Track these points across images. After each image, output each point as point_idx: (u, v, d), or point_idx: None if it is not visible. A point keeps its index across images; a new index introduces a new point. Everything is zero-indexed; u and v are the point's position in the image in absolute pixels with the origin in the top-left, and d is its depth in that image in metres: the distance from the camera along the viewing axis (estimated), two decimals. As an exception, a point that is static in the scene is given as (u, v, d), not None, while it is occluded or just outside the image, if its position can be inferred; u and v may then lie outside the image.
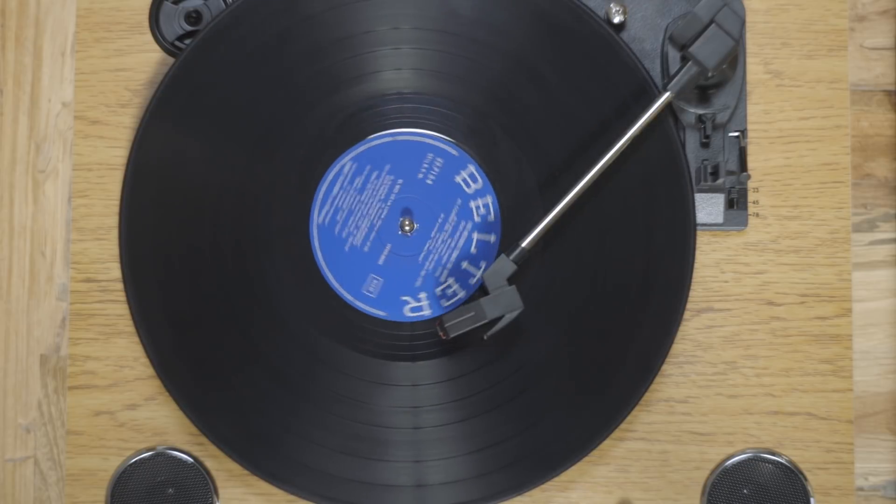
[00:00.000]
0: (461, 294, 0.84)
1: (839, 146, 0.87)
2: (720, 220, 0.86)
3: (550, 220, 0.80)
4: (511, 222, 0.84)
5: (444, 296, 0.84)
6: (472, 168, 0.84)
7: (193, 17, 0.87)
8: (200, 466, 0.86)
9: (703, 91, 0.85)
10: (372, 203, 0.85)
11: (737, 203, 0.86)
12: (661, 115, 0.80)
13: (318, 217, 0.84)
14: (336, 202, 0.84)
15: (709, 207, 0.86)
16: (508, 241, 0.84)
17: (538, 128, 0.84)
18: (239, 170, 0.85)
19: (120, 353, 0.87)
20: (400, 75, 0.85)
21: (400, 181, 0.85)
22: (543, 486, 0.85)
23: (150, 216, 0.84)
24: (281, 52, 0.84)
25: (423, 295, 0.84)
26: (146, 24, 0.88)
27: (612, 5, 0.85)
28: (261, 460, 0.83)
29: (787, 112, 0.87)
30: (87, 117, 0.88)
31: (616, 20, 0.85)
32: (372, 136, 0.85)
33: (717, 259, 0.86)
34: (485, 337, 0.80)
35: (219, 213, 0.84)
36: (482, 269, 0.84)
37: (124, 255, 0.84)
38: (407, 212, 0.85)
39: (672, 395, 0.86)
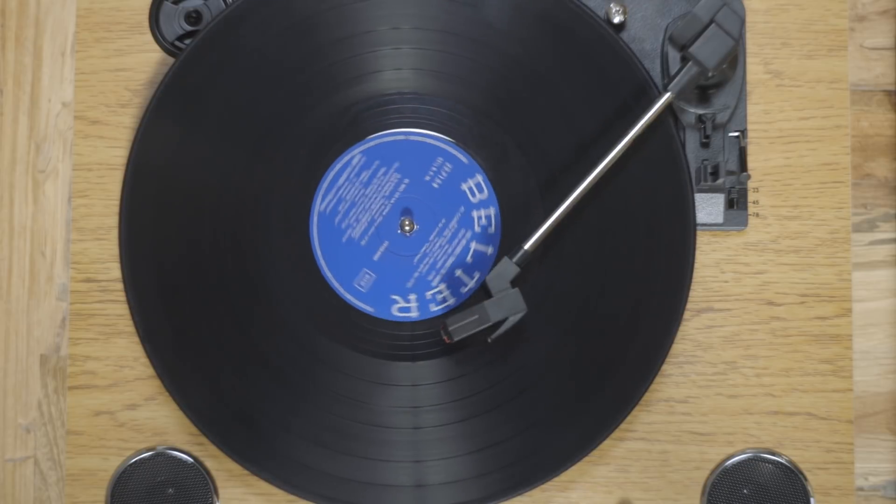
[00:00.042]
0: (451, 301, 0.84)
1: (839, 146, 0.87)
2: (720, 220, 0.86)
3: (553, 222, 0.80)
4: (510, 237, 0.84)
5: (433, 300, 0.84)
6: (479, 178, 0.84)
7: (193, 17, 0.87)
8: (200, 466, 0.86)
9: (703, 91, 0.85)
10: (375, 198, 0.85)
11: (737, 203, 0.86)
12: (661, 115, 0.80)
13: (320, 204, 0.84)
14: (340, 192, 0.84)
15: (709, 207, 0.86)
16: (504, 253, 0.84)
17: (538, 128, 0.84)
18: (239, 170, 0.85)
19: (120, 353, 0.87)
20: (400, 75, 0.85)
21: (406, 181, 0.85)
22: (543, 486, 0.85)
23: (150, 216, 0.84)
24: (281, 52, 0.84)
25: (412, 297, 0.84)
26: (146, 24, 0.88)
27: (612, 5, 0.85)
28: (261, 460, 0.83)
29: (787, 112, 0.87)
30: (87, 117, 0.88)
31: (616, 20, 0.85)
32: (384, 132, 0.84)
33: (717, 259, 0.86)
34: (489, 340, 0.80)
35: (218, 212, 0.84)
36: (475, 280, 0.84)
37: (124, 255, 0.84)
38: (409, 212, 0.85)
39: (672, 395, 0.86)
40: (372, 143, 0.84)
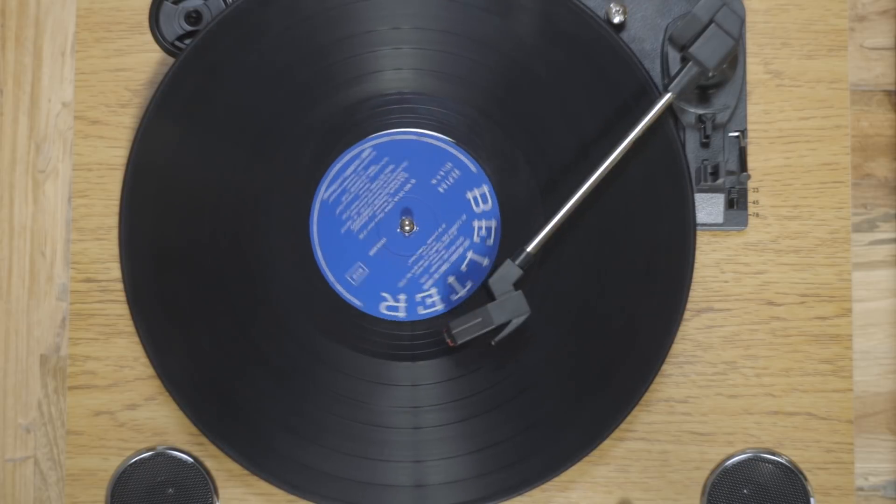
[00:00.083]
0: (440, 307, 0.84)
1: (839, 146, 0.87)
2: (720, 220, 0.86)
3: (555, 224, 0.80)
4: (507, 251, 0.84)
5: (422, 303, 0.84)
6: (486, 188, 0.84)
7: (193, 17, 0.87)
8: (200, 466, 0.86)
9: (703, 91, 0.85)
10: (380, 194, 0.85)
11: (737, 203, 0.86)
12: (661, 115, 0.80)
13: (324, 192, 0.84)
14: (346, 183, 0.84)
15: (709, 207, 0.86)
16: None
17: (538, 128, 0.84)
18: (239, 169, 0.85)
19: (120, 353, 0.87)
20: (400, 75, 0.85)
21: (413, 181, 0.85)
22: (543, 486, 0.85)
23: (150, 216, 0.84)
24: (281, 52, 0.84)
25: (402, 297, 0.84)
26: (146, 24, 0.88)
27: (612, 5, 0.85)
28: (261, 460, 0.83)
29: (787, 112, 0.87)
30: (87, 117, 0.88)
31: (616, 20, 0.85)
32: (398, 129, 0.84)
33: (717, 259, 0.86)
34: (493, 343, 0.80)
35: (218, 212, 0.84)
36: (467, 289, 0.84)
37: (124, 255, 0.84)
38: (411, 212, 0.85)
39: (672, 395, 0.86)
40: (384, 139, 0.84)
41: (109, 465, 0.86)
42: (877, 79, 0.90)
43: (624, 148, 0.80)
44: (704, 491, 0.85)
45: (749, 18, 0.87)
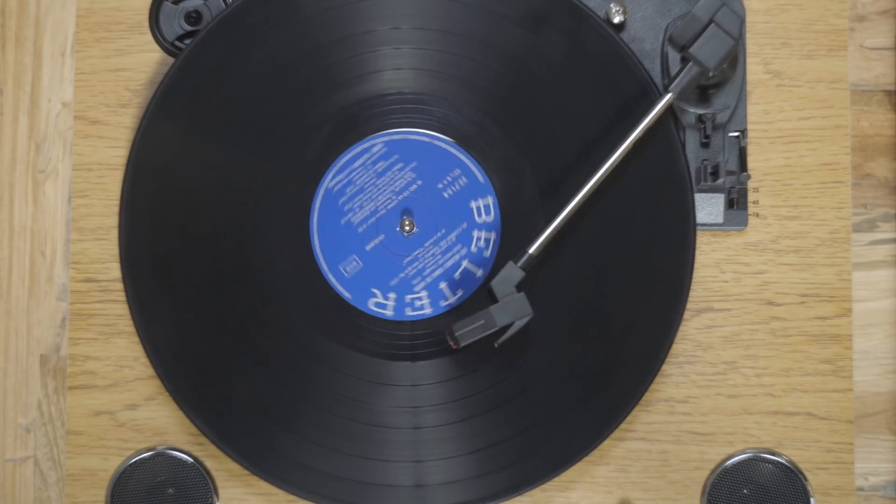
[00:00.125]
0: (428, 311, 0.84)
1: (839, 146, 0.87)
2: (720, 220, 0.86)
3: (557, 225, 0.80)
4: (503, 265, 0.84)
5: (410, 305, 0.84)
6: (490, 200, 0.84)
7: (193, 17, 0.87)
8: (200, 466, 0.86)
9: (703, 91, 0.85)
10: (385, 191, 0.85)
11: (737, 203, 0.86)
12: (661, 115, 0.80)
13: (330, 180, 0.84)
14: (352, 175, 0.84)
15: (709, 207, 0.86)
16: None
17: (538, 128, 0.84)
18: (239, 169, 0.85)
19: (120, 353, 0.87)
20: (400, 75, 0.85)
21: (419, 182, 0.85)
22: (543, 486, 0.85)
23: (150, 216, 0.84)
24: (281, 52, 0.84)
25: (392, 295, 0.84)
26: (146, 24, 0.88)
27: (612, 5, 0.85)
28: (261, 460, 0.83)
29: (787, 112, 0.87)
30: (87, 117, 0.88)
31: (616, 20, 0.85)
32: (411, 129, 0.84)
33: (717, 259, 0.86)
34: (496, 345, 0.80)
35: (218, 212, 0.84)
36: (457, 297, 0.84)
37: (124, 255, 0.84)
38: (412, 213, 0.85)
39: (672, 395, 0.86)
40: (397, 137, 0.84)
41: (109, 465, 0.86)
42: (877, 79, 0.90)
43: (625, 149, 0.80)
44: (704, 491, 0.85)
45: (749, 18, 0.87)
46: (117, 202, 0.85)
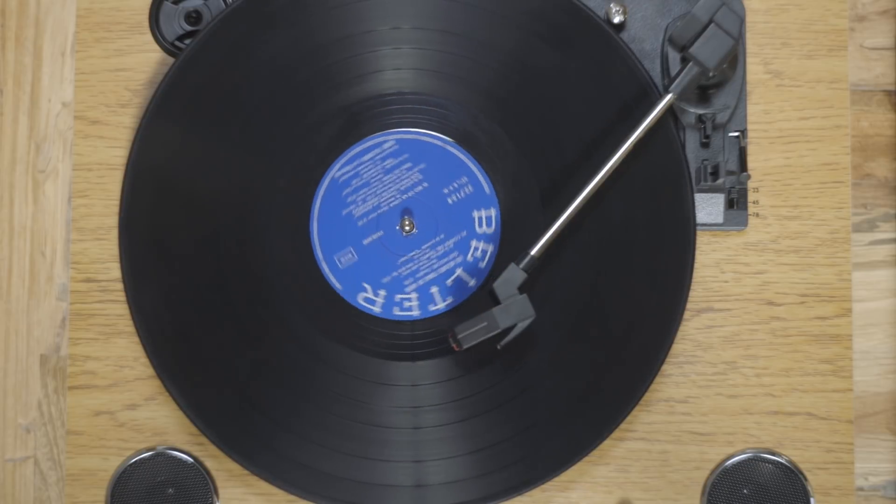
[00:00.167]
0: (415, 313, 0.84)
1: (839, 146, 0.87)
2: (720, 220, 0.86)
3: (558, 227, 0.80)
4: (497, 275, 0.84)
5: (399, 305, 0.84)
6: (493, 212, 0.84)
7: (193, 17, 0.87)
8: (200, 466, 0.86)
9: (703, 91, 0.85)
10: (390, 188, 0.85)
11: (737, 203, 0.86)
12: (661, 115, 0.80)
13: (337, 170, 0.84)
14: (360, 168, 0.84)
15: (709, 207, 0.86)
16: (485, 290, 0.84)
17: (538, 128, 0.84)
18: (239, 169, 0.85)
19: (120, 353, 0.87)
20: (399, 75, 0.85)
21: (426, 184, 0.85)
22: (543, 486, 0.85)
23: (149, 216, 0.84)
24: (281, 52, 0.84)
25: (382, 293, 0.84)
26: (146, 24, 0.88)
27: (612, 5, 0.85)
28: (261, 460, 0.83)
29: (787, 112, 0.87)
30: (87, 117, 0.88)
31: (616, 20, 0.85)
32: (423, 130, 0.84)
33: (717, 259, 0.86)
34: (499, 347, 0.80)
35: (218, 212, 0.84)
36: (446, 303, 0.84)
37: (124, 255, 0.84)
38: (414, 214, 0.85)
39: (672, 395, 0.86)
40: (409, 136, 0.84)
41: (109, 465, 0.86)
42: (877, 79, 0.90)
43: (626, 151, 0.80)
44: (704, 491, 0.85)
45: (749, 18, 0.87)
46: (117, 202, 0.85)
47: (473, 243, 0.85)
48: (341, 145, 0.84)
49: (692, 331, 0.86)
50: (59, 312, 0.89)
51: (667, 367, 0.85)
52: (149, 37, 0.88)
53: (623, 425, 0.84)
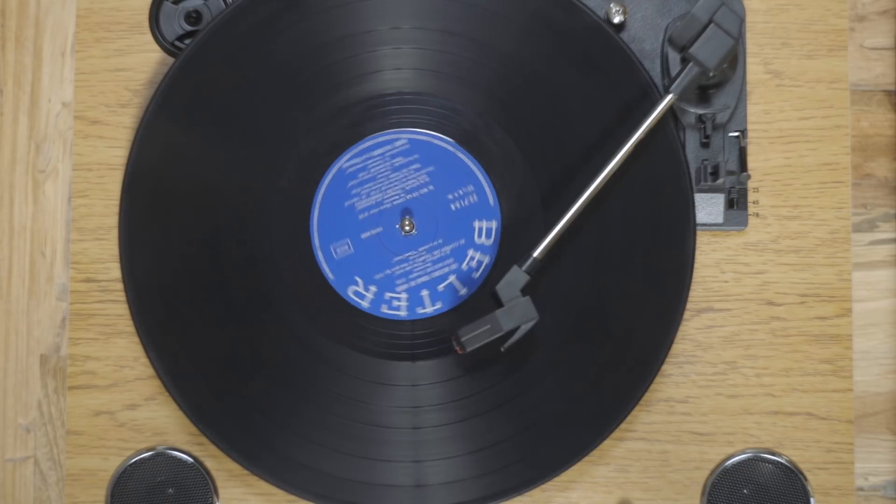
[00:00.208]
0: (403, 313, 0.84)
1: (839, 146, 0.87)
2: (720, 220, 0.86)
3: (560, 229, 0.80)
4: (488, 287, 0.84)
5: (388, 303, 0.84)
6: (494, 225, 0.84)
7: (193, 17, 0.87)
8: (200, 466, 0.86)
9: (703, 91, 0.85)
10: (395, 186, 0.85)
11: (737, 203, 0.86)
12: (662, 116, 0.80)
13: (345, 160, 0.84)
14: (369, 162, 0.84)
15: (709, 207, 0.86)
16: (476, 300, 0.84)
17: (538, 128, 0.84)
18: (239, 169, 0.85)
19: (120, 353, 0.87)
20: (399, 75, 0.85)
21: (431, 187, 0.85)
22: (543, 486, 0.85)
23: (150, 216, 0.84)
24: (281, 52, 0.84)
25: (372, 288, 0.84)
26: (146, 24, 0.88)
27: (612, 5, 0.85)
28: (261, 460, 0.83)
29: (787, 112, 0.87)
30: (87, 117, 0.88)
31: (616, 20, 0.85)
32: (435, 133, 0.84)
33: (717, 259, 0.86)
34: (502, 349, 0.80)
35: (218, 212, 0.84)
36: (434, 308, 0.84)
37: (124, 255, 0.84)
38: (416, 215, 0.85)
39: (672, 395, 0.86)
40: (422, 137, 0.84)
41: (109, 465, 0.86)
42: (877, 79, 0.90)
43: (626, 152, 0.80)
44: (704, 491, 0.85)
45: (749, 18, 0.87)
46: (117, 202, 0.85)
47: (470, 252, 0.85)
48: (353, 137, 0.84)
49: (692, 331, 0.86)
50: (59, 312, 0.89)
51: (667, 367, 0.85)
52: (149, 37, 0.88)
53: (623, 425, 0.84)
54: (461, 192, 0.85)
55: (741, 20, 0.80)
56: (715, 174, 0.84)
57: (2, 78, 0.90)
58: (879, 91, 0.89)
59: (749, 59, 0.87)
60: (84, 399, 0.87)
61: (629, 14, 0.86)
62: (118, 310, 0.87)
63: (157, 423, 0.86)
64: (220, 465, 0.86)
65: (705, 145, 0.85)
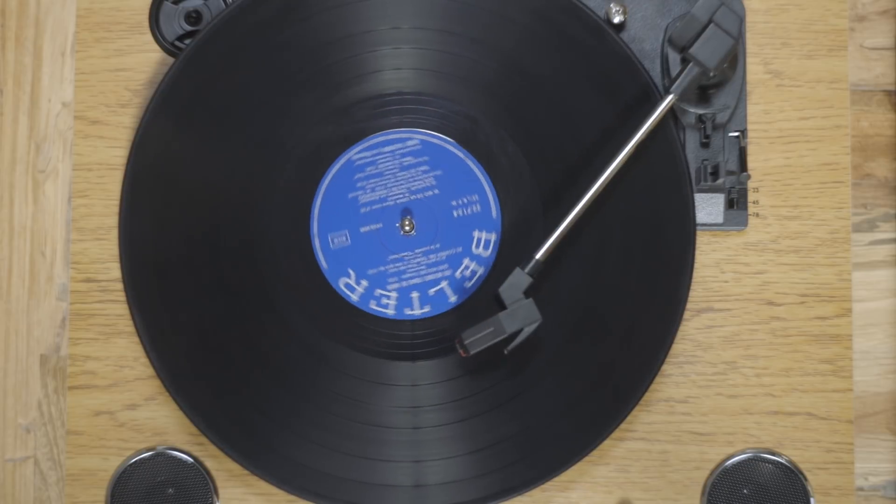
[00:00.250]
0: (391, 312, 0.84)
1: (839, 146, 0.87)
2: (720, 220, 0.86)
3: (562, 231, 0.80)
4: (480, 300, 0.84)
5: (377, 299, 0.84)
6: (494, 237, 0.84)
7: (193, 17, 0.87)
8: (200, 466, 0.86)
9: (703, 91, 0.85)
10: (401, 184, 0.85)
11: (737, 203, 0.86)
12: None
13: (356, 152, 0.84)
14: (378, 157, 0.84)
15: (709, 207, 0.86)
16: (465, 309, 0.84)
17: (538, 129, 0.84)
18: (239, 169, 0.85)
19: (120, 353, 0.87)
20: (399, 75, 0.85)
21: (436, 191, 0.85)
22: (543, 486, 0.85)
23: (149, 216, 0.84)
24: (281, 52, 0.84)
25: (364, 283, 0.84)
26: (146, 24, 0.88)
27: (612, 5, 0.85)
28: (261, 460, 0.83)
29: (787, 112, 0.87)
30: (87, 117, 0.88)
31: (616, 20, 0.85)
32: (447, 137, 0.84)
33: (717, 259, 0.86)
34: (505, 352, 0.80)
35: (218, 212, 0.84)
36: (422, 311, 0.84)
37: (124, 255, 0.84)
38: (417, 216, 0.85)
39: (672, 395, 0.86)
40: (435, 141, 0.84)
41: (109, 465, 0.86)
42: (877, 79, 0.90)
43: (627, 153, 0.80)
44: (704, 491, 0.85)
45: (749, 18, 0.87)
46: (117, 202, 0.85)
47: (465, 262, 0.85)
48: (367, 130, 0.84)
49: (692, 331, 0.86)
50: (59, 312, 0.89)
51: (667, 367, 0.85)
52: (149, 37, 0.88)
53: (623, 425, 0.84)
54: (465, 201, 0.85)
55: (741, 20, 0.80)
56: (715, 174, 0.84)
57: (2, 78, 0.90)
58: (879, 91, 0.89)
59: (749, 59, 0.87)
60: (84, 399, 0.87)
61: (629, 14, 0.86)
62: (118, 310, 0.87)
63: (157, 423, 0.86)
64: (220, 465, 0.86)
65: (705, 145, 0.85)
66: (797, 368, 0.86)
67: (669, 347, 0.83)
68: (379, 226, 0.85)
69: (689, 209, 0.83)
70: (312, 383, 0.84)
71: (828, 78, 0.87)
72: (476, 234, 0.85)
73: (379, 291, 0.84)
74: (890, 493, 0.88)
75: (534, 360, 0.83)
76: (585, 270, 0.84)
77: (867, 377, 0.88)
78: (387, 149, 0.85)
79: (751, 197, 0.86)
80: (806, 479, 0.85)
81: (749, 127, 0.86)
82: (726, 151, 0.85)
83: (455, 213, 0.85)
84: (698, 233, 0.85)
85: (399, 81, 0.85)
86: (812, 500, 0.84)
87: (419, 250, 0.85)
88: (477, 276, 0.84)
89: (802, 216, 0.86)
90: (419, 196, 0.85)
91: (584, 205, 0.80)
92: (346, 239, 0.84)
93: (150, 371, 0.86)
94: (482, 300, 0.84)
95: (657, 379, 0.84)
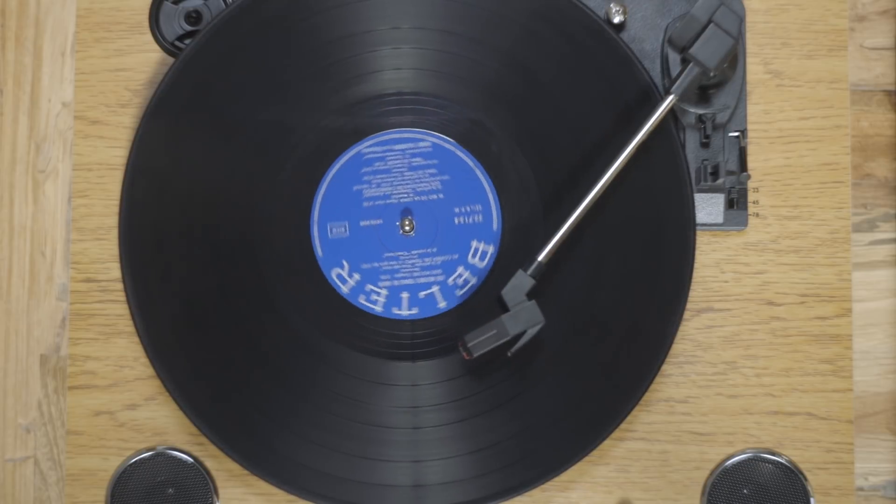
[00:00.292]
0: (379, 309, 0.84)
1: (839, 146, 0.87)
2: (720, 220, 0.86)
3: (564, 232, 0.80)
4: (470, 308, 0.84)
5: (367, 295, 0.84)
6: (492, 249, 0.84)
7: (193, 17, 0.87)
8: (200, 466, 0.86)
9: (703, 91, 0.85)
10: (407, 184, 0.85)
11: (737, 203, 0.86)
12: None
13: (366, 145, 0.84)
14: (389, 154, 0.84)
15: (709, 207, 0.86)
16: (454, 315, 0.84)
17: (538, 129, 0.84)
18: (239, 169, 0.85)
19: (120, 353, 0.87)
20: (400, 75, 0.85)
21: (441, 195, 0.85)
22: (543, 486, 0.85)
23: (149, 216, 0.84)
24: (281, 52, 0.84)
25: (356, 276, 0.84)
26: (146, 24, 0.88)
27: (612, 5, 0.85)
28: (261, 460, 0.83)
29: (787, 112, 0.87)
30: (87, 117, 0.88)
31: (616, 20, 0.85)
32: (457, 143, 0.84)
33: (717, 259, 0.86)
34: (509, 354, 0.79)
35: (218, 212, 0.84)
36: (409, 313, 0.84)
37: (124, 255, 0.84)
38: (418, 217, 0.85)
39: (672, 395, 0.86)
40: (447, 145, 0.84)
41: (109, 465, 0.86)
42: (877, 79, 0.90)
43: (628, 154, 0.80)
44: (704, 491, 0.85)
45: (749, 18, 0.87)
46: (117, 202, 0.85)
47: (460, 270, 0.85)
48: (381, 125, 0.84)
49: (692, 331, 0.86)
50: (59, 312, 0.89)
51: (667, 367, 0.85)
52: (149, 37, 0.88)
53: (623, 425, 0.84)
54: (468, 209, 0.85)
55: (741, 20, 0.80)
56: (715, 174, 0.84)
57: (2, 78, 0.90)
58: (879, 91, 0.89)
59: (749, 59, 0.87)
60: (84, 399, 0.87)
61: (629, 14, 0.86)
62: (118, 310, 0.87)
63: (157, 423, 0.86)
64: (220, 465, 0.86)
65: (705, 145, 0.85)
66: (797, 368, 0.86)
67: (669, 347, 0.83)
68: (379, 221, 0.85)
69: (689, 209, 0.83)
70: (312, 383, 0.84)
71: (828, 78, 0.87)
72: (474, 243, 0.85)
73: (369, 287, 0.84)
74: (890, 493, 0.88)
75: (533, 360, 0.83)
76: (585, 270, 0.84)
77: (867, 377, 0.88)
78: (398, 147, 0.85)
79: (751, 197, 0.86)
80: (806, 479, 0.85)
81: (749, 127, 0.86)
82: (726, 151, 0.85)
83: (456, 220, 0.85)
84: (698, 233, 0.85)
85: (399, 81, 0.85)
86: (812, 500, 0.84)
87: (415, 252, 0.85)
88: (469, 285, 0.84)
89: (802, 216, 0.86)
90: (423, 198, 0.85)
91: (586, 206, 0.80)
92: (345, 230, 0.84)
93: (150, 371, 0.86)
94: (476, 306, 0.84)
95: (657, 379, 0.84)
